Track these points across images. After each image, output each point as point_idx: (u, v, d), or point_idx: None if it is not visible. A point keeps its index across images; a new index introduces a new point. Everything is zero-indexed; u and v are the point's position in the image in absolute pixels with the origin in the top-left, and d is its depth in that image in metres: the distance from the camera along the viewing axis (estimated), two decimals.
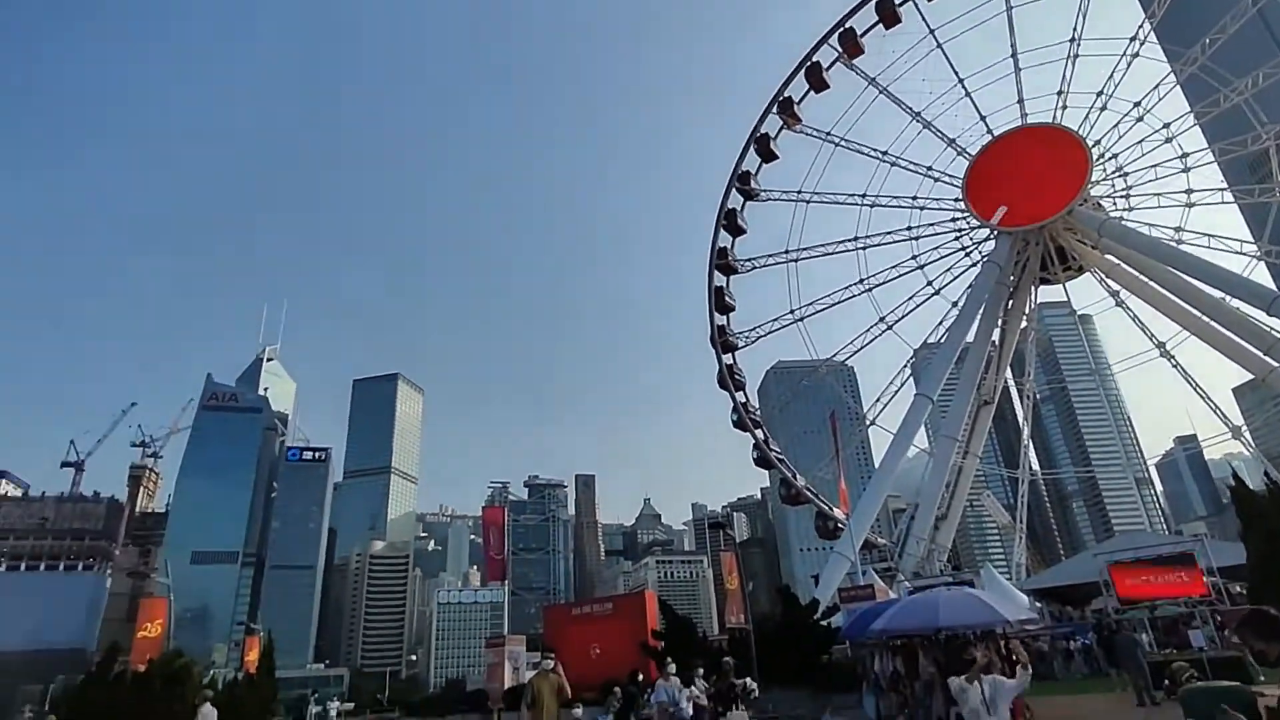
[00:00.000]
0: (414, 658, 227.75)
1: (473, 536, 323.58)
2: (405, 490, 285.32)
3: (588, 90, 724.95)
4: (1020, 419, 66.99)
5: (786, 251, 59.44)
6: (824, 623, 23.05)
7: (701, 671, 13.63)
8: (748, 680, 12.77)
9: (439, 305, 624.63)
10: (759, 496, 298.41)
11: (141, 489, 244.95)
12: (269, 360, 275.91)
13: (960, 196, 54.96)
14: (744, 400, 58.42)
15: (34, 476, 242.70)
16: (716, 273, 59.20)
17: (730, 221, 59.37)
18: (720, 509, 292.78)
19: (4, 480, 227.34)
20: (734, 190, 60.08)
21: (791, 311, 59.07)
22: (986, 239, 55.45)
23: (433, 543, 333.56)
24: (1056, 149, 52.35)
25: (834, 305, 59.11)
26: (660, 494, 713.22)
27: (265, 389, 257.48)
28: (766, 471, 61.52)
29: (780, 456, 58.16)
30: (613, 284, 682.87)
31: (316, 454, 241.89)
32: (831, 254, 59.61)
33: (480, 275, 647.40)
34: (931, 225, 57.50)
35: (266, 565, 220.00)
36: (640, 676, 18.21)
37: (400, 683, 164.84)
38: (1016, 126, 55.77)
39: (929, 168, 57.77)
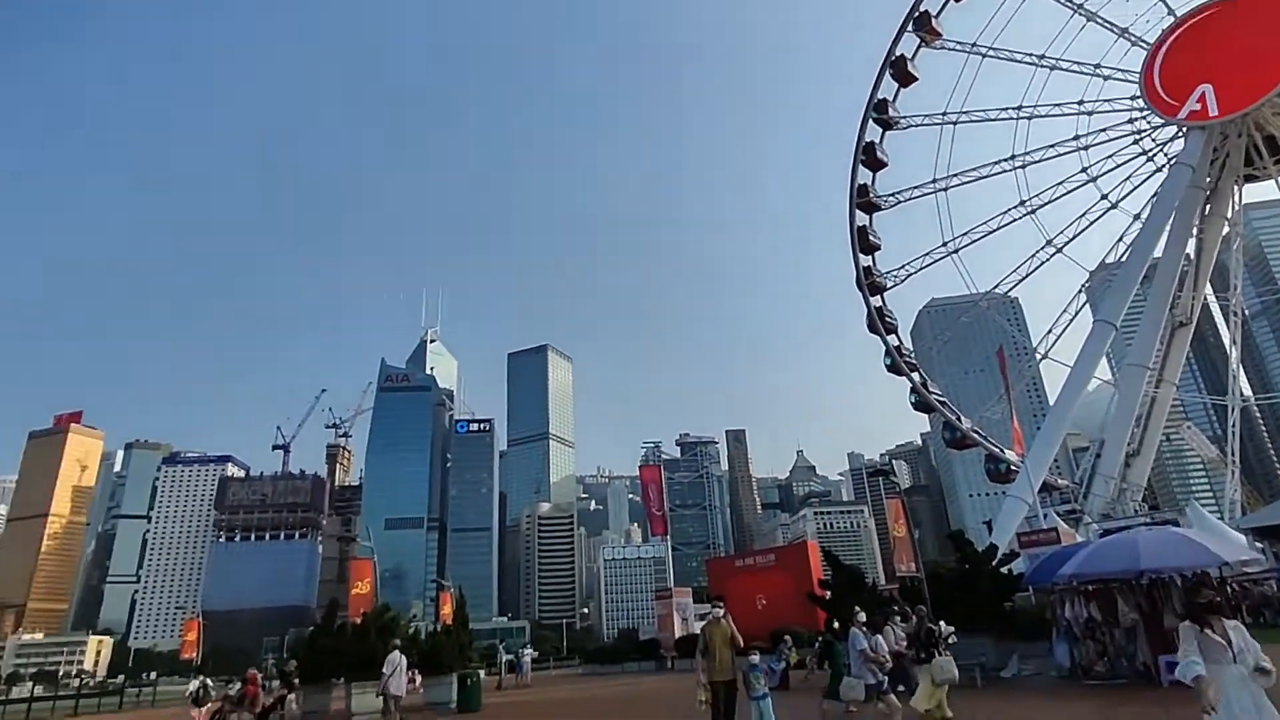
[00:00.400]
0: (586, 610, 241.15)
1: (630, 495, 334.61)
2: (564, 455, 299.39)
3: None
4: (1226, 339, 59.22)
5: (934, 180, 55.41)
6: (1004, 569, 21.82)
7: (899, 618, 13.25)
8: (942, 624, 12.26)
9: (581, 274, 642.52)
10: (919, 443, 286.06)
11: (338, 465, 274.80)
12: (432, 342, 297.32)
13: (1138, 94, 48.48)
14: (897, 343, 55.68)
15: (252, 459, 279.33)
16: (858, 211, 56.28)
17: (869, 155, 56.06)
18: (879, 457, 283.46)
19: (230, 464, 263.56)
20: (870, 121, 56.54)
21: (944, 244, 55.28)
22: (1173, 138, 48.74)
23: (593, 503, 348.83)
24: (1259, 18, 44.73)
25: (992, 233, 54.65)
26: (813, 446, 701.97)
27: (431, 368, 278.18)
28: (927, 416, 58.67)
29: (941, 399, 55.12)
30: (750, 236, 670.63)
31: (481, 425, 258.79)
32: (986, 177, 54.93)
33: (616, 237, 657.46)
34: (1103, 131, 51.38)
35: (448, 529, 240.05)
36: (835, 624, 18.04)
37: (576, 633, 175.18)
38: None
39: (1096, 66, 51.41)
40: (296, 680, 21.20)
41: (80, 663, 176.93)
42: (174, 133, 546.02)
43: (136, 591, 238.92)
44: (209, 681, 24.24)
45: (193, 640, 41.96)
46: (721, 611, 11.25)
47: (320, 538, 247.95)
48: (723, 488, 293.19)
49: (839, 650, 13.54)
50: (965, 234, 54.90)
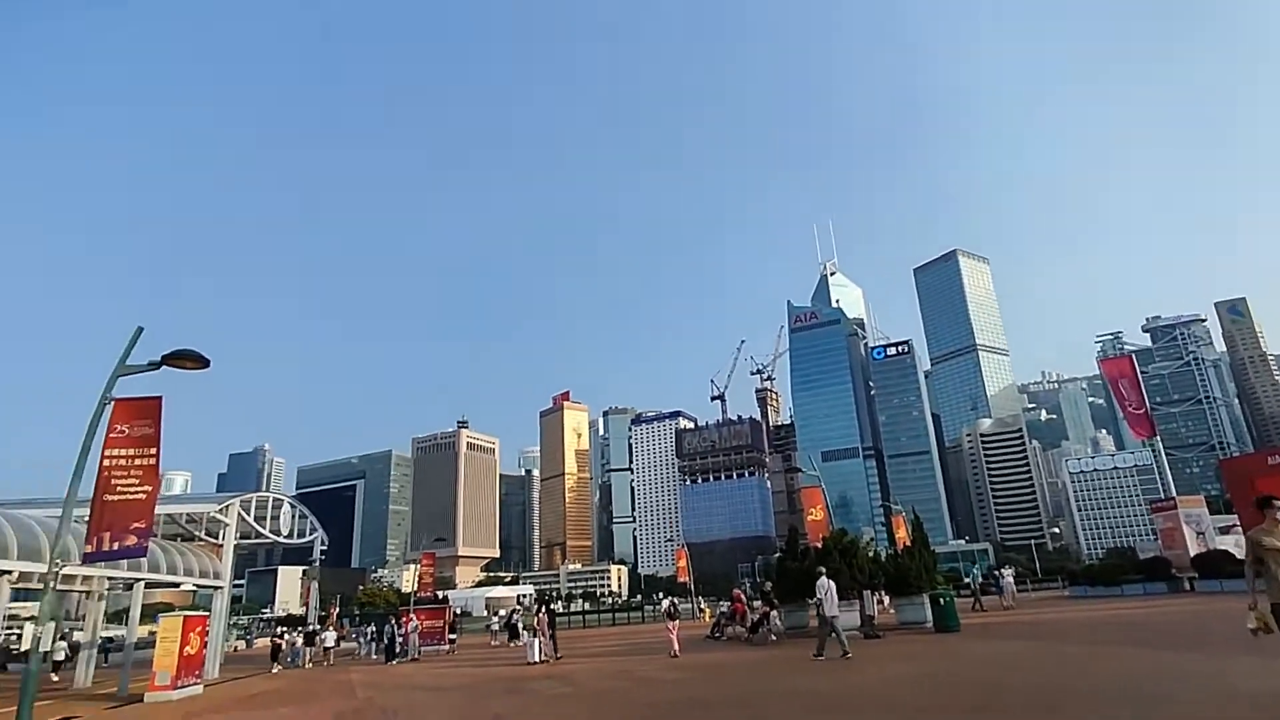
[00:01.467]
0: (1057, 530, 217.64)
1: (1090, 399, 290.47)
2: (998, 364, 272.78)
3: None
4: None
5: None
6: None
7: None
8: None
9: (985, 164, 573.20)
10: None
11: (769, 407, 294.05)
12: (832, 274, 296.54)
13: None
14: None
15: (697, 411, 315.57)
16: None
17: None
18: None
19: (680, 418, 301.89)
20: None
21: None
22: None
23: (1043, 412, 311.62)
24: None
25: None
26: None
27: (836, 300, 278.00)
28: None
29: None
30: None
31: (898, 348, 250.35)
32: None
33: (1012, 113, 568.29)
34: None
35: (884, 455, 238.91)
36: None
37: (1049, 554, 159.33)
38: None
39: None
40: (775, 600, 23.06)
41: (608, 585, 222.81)
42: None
43: (634, 529, 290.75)
44: (675, 600, 28.07)
45: (684, 566, 49.19)
46: None
47: (766, 474, 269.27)
48: (1221, 374, 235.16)
49: None
50: None
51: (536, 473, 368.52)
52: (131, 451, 9.83)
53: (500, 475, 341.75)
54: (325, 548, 38.87)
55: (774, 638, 21.84)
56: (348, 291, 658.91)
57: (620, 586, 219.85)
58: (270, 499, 32.24)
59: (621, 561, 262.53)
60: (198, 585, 27.39)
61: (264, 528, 30.92)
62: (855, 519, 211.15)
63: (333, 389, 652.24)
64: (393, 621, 30.49)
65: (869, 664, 14.75)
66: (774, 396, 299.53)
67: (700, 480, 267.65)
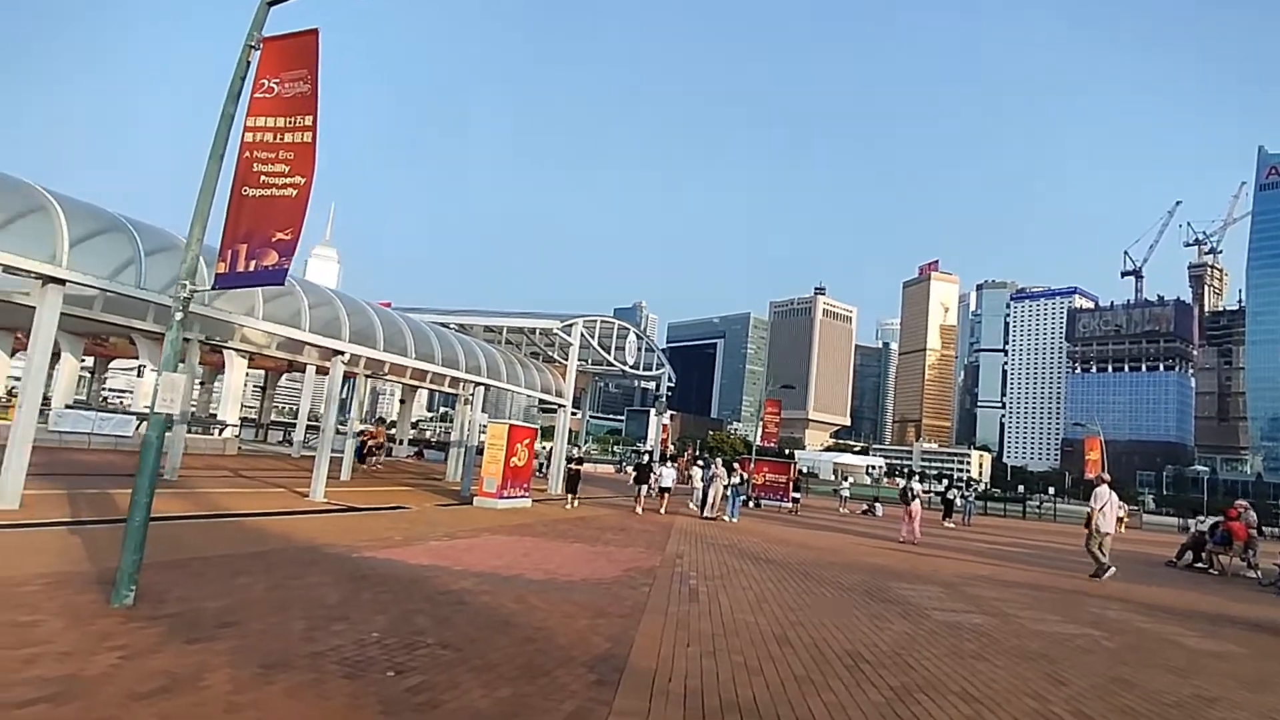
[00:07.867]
0: None
1: None
2: None
3: None
4: None
5: None
6: None
7: None
8: None
9: None
10: None
11: (1206, 287, 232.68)
12: None
13: None
14: None
15: (1099, 289, 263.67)
16: None
17: None
18: None
19: (1076, 295, 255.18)
20: None
21: None
22: None
23: None
24: None
25: None
26: None
27: None
28: None
29: None
30: None
31: None
32: None
33: None
34: None
35: None
36: None
37: None
38: None
39: None
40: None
41: (967, 470, 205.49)
42: None
43: (1002, 415, 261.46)
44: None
45: (1095, 459, 38.26)
46: None
47: (1191, 370, 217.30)
48: None
49: None
50: None
51: (895, 345, 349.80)
52: (281, 122, 6.04)
53: (856, 345, 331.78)
54: (673, 385, 37.48)
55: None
56: (719, 156, 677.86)
57: (983, 473, 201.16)
58: (616, 326, 30.73)
59: (984, 448, 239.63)
60: (541, 400, 27.16)
61: (609, 355, 29.79)
62: None
63: (701, 253, 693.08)
64: (702, 462, 27.21)
65: None
66: (1217, 274, 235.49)
67: (1095, 369, 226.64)
